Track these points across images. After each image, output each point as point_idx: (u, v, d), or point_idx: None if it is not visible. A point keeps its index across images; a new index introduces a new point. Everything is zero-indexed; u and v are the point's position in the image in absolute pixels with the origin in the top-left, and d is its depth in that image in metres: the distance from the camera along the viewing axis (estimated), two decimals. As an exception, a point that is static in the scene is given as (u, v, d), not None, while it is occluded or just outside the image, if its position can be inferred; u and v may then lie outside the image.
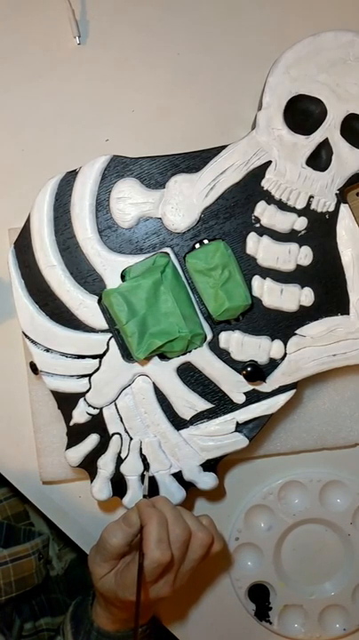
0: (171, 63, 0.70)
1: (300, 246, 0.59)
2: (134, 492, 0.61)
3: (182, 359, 0.60)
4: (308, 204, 0.59)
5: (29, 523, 0.77)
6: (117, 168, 0.59)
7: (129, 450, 0.61)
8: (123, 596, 0.56)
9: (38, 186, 0.60)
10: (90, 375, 0.61)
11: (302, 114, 0.59)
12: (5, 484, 0.73)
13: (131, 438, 0.61)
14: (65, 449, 0.62)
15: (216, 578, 0.71)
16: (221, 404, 0.61)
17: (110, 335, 0.60)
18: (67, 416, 0.61)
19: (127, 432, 0.61)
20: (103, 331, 0.60)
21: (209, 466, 0.61)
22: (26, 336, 0.61)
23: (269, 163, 0.59)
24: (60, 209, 0.60)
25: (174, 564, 0.55)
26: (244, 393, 0.60)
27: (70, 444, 0.62)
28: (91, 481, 0.62)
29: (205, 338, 0.60)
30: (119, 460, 0.61)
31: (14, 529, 0.72)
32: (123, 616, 0.59)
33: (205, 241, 0.59)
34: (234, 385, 0.60)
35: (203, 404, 0.61)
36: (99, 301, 0.60)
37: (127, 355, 0.60)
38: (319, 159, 0.59)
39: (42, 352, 0.61)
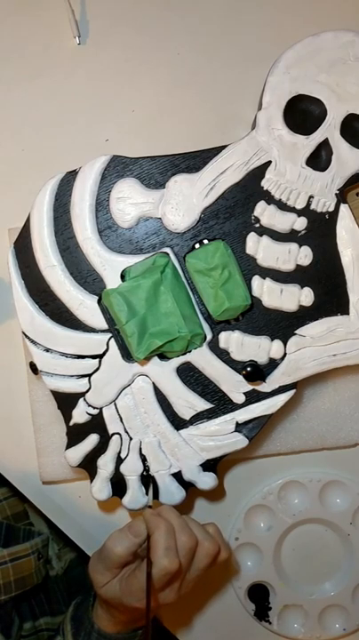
0: (171, 63, 0.70)
1: (300, 246, 0.59)
2: (134, 492, 0.61)
3: (182, 359, 0.60)
4: (308, 203, 0.59)
5: (29, 522, 0.76)
6: (117, 168, 0.59)
7: (129, 450, 0.61)
8: (129, 602, 0.56)
9: (38, 186, 0.60)
10: (90, 375, 0.61)
11: (302, 114, 0.59)
12: (5, 484, 0.73)
13: (130, 438, 0.61)
14: (65, 449, 0.62)
15: (216, 578, 0.71)
16: (221, 404, 0.61)
17: (110, 335, 0.60)
18: (67, 416, 0.61)
19: (127, 432, 0.61)
20: (103, 331, 0.60)
21: (209, 466, 0.61)
22: (26, 336, 0.61)
23: (269, 163, 0.59)
24: (60, 209, 0.60)
25: (181, 571, 0.55)
26: (244, 393, 0.60)
27: (70, 444, 0.62)
28: (91, 481, 0.62)
29: (205, 338, 0.60)
30: (119, 460, 0.61)
31: (14, 529, 0.72)
32: (125, 618, 0.59)
33: (205, 241, 0.59)
34: (234, 385, 0.60)
35: (203, 404, 0.60)
36: (99, 301, 0.60)
37: (127, 355, 0.60)
38: (319, 159, 0.59)
39: (42, 352, 0.61)
